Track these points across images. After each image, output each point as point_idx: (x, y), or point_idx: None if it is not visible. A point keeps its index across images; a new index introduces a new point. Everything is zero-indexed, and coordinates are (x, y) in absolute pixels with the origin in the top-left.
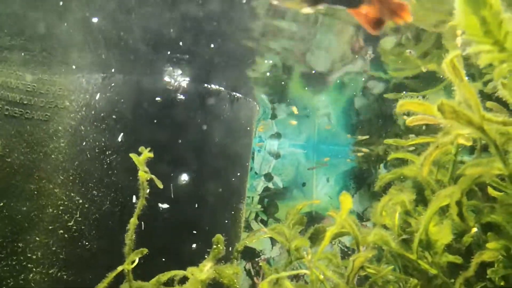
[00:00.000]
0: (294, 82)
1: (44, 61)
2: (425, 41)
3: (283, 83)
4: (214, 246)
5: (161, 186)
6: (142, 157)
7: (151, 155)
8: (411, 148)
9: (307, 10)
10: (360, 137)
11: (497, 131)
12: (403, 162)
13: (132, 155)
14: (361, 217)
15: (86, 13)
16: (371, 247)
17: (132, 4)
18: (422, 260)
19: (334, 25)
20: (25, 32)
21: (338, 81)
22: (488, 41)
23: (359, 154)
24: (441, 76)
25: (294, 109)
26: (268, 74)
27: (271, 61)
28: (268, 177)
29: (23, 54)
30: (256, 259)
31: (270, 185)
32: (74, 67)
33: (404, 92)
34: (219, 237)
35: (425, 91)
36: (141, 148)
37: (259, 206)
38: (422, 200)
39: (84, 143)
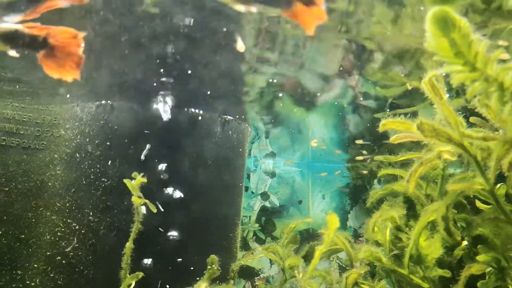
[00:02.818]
0: (286, 102)
1: (39, 91)
2: (408, 60)
3: (275, 104)
4: (209, 267)
5: (155, 210)
6: (136, 182)
7: (145, 180)
8: (406, 162)
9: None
10: (358, 142)
11: (477, 146)
12: (395, 177)
13: (126, 180)
14: (358, 233)
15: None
16: (364, 263)
17: (122, 32)
18: (414, 275)
19: (321, 47)
20: (20, 63)
21: (330, 99)
22: (459, 61)
23: (364, 172)
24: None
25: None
26: (260, 96)
27: (263, 84)
28: (265, 196)
29: (17, 85)
30: (256, 278)
31: (267, 203)
32: (68, 96)
33: (388, 110)
34: (213, 257)
35: (413, 108)
36: (134, 174)
37: (257, 225)
38: (413, 215)
39: (80, 170)
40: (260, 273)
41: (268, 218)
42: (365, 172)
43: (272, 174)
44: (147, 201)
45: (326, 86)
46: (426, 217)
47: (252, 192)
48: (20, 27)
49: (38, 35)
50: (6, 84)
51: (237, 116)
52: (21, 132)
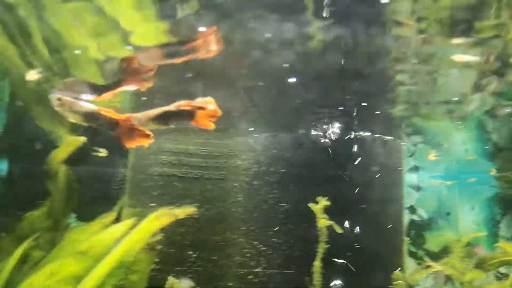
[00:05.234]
0: (426, 115)
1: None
2: None
3: (417, 118)
4: (394, 282)
5: (339, 231)
6: (320, 205)
7: (328, 203)
8: None
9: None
10: None
11: None
12: None
13: (310, 204)
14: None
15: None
16: None
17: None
18: None
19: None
20: None
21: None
22: None
23: None
24: None
25: (431, 156)
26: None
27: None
28: (412, 209)
29: None
30: None
31: (415, 217)
32: (239, 129)
33: None
34: (398, 274)
35: None
36: (318, 198)
37: (407, 238)
38: None
39: (259, 196)
40: (416, 286)
41: (417, 231)
42: None
43: (417, 188)
44: (332, 222)
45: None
46: None
47: None
48: (96, 109)
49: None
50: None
51: (392, 135)
52: (203, 165)
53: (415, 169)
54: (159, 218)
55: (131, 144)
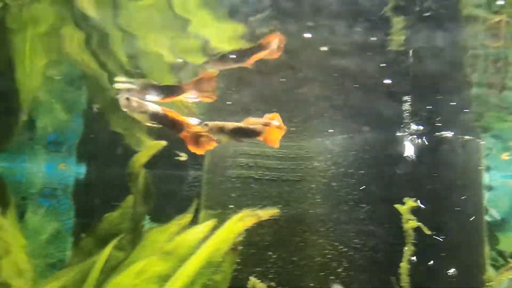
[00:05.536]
0: (500, 114)
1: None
2: None
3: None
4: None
5: (428, 232)
6: (406, 206)
7: (416, 204)
8: None
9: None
10: None
11: None
12: None
13: (396, 206)
14: None
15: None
16: None
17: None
18: None
19: None
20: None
21: None
22: None
23: None
24: None
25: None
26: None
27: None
28: (484, 209)
29: None
30: None
31: (487, 217)
32: (316, 131)
33: None
34: (490, 275)
35: None
36: (405, 199)
37: None
38: None
39: (338, 198)
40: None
41: (490, 232)
42: None
43: (489, 188)
44: (420, 224)
45: None
46: None
47: None
48: (160, 109)
49: (178, 120)
50: None
51: (472, 134)
52: (279, 167)
53: (487, 168)
54: (243, 219)
55: (194, 149)
